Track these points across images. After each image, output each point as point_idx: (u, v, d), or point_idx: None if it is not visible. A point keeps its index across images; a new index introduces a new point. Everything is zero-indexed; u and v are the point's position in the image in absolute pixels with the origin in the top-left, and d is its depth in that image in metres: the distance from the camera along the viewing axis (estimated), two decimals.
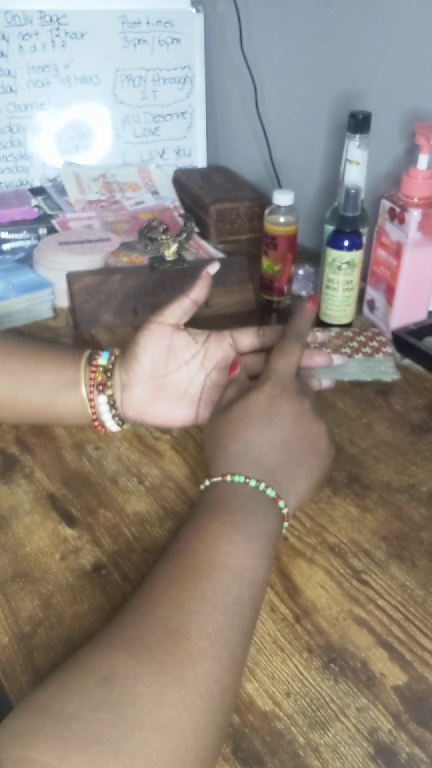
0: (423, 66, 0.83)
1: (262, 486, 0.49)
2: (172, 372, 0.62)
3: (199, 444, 0.66)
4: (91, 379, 0.61)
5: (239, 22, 1.11)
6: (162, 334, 0.61)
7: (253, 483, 0.49)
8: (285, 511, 0.50)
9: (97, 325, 0.85)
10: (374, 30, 0.88)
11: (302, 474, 0.52)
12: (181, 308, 0.61)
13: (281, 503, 0.49)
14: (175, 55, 1.20)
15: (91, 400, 0.62)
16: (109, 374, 0.62)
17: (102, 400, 0.62)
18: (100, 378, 0.61)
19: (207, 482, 0.51)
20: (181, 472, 0.63)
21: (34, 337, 0.83)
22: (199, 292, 0.62)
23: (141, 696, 0.36)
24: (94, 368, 0.61)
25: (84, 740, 0.34)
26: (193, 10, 1.18)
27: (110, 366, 0.62)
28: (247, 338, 0.64)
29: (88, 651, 0.39)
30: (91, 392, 0.61)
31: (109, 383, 0.62)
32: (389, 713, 0.44)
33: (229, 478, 0.50)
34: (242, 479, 0.49)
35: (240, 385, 0.57)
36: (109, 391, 0.62)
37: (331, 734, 0.43)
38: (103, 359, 0.62)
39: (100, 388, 0.61)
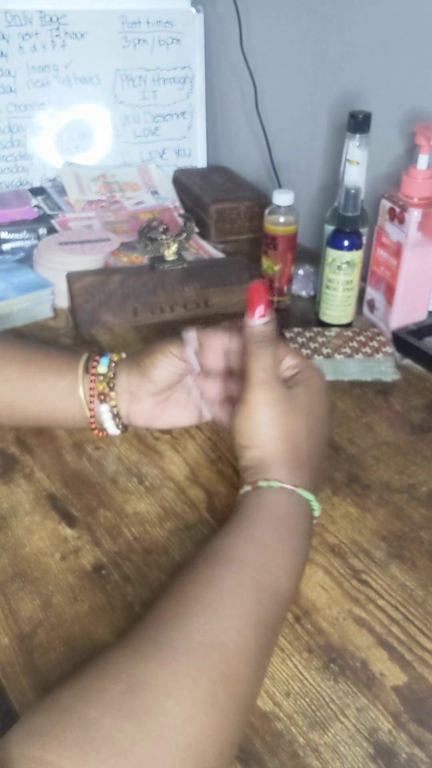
0: (423, 66, 0.83)
1: (317, 512, 0.49)
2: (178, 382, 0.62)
3: (199, 444, 0.66)
4: (91, 389, 0.61)
5: (239, 22, 1.11)
6: (181, 366, 0.59)
7: (315, 506, 0.49)
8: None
9: (97, 325, 0.85)
10: (374, 30, 0.88)
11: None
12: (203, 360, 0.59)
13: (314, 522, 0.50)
14: (175, 55, 1.20)
15: (90, 409, 0.61)
16: (111, 384, 0.61)
17: (104, 409, 0.61)
18: (101, 387, 0.61)
19: (275, 484, 0.47)
20: (181, 472, 0.63)
21: (33, 338, 0.84)
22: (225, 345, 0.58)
23: (169, 712, 0.35)
24: (93, 377, 0.61)
25: (103, 750, 0.33)
26: (193, 10, 1.18)
27: (111, 374, 0.61)
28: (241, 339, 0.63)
29: (115, 654, 0.38)
30: (90, 401, 0.61)
31: (112, 394, 0.61)
32: (389, 713, 0.44)
33: (300, 491, 0.48)
34: (311, 498, 0.48)
35: (272, 344, 0.50)
36: (113, 402, 0.61)
37: (331, 734, 0.43)
38: (102, 367, 0.61)
39: (102, 397, 0.61)
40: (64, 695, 0.36)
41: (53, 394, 0.61)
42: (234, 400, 0.58)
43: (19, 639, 0.48)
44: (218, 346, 0.57)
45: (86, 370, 0.61)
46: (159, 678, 0.36)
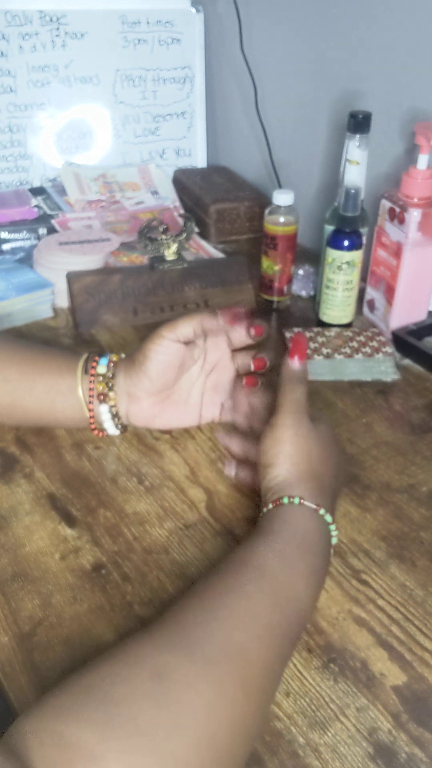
0: (423, 66, 0.83)
1: (334, 540, 0.50)
2: (177, 381, 0.62)
3: (198, 444, 0.66)
4: (90, 389, 0.61)
5: (239, 22, 1.11)
6: (174, 352, 0.59)
7: (332, 528, 0.50)
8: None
9: (97, 325, 0.85)
10: (374, 30, 0.88)
11: None
12: (193, 332, 0.59)
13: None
14: (175, 55, 1.20)
15: (90, 409, 0.61)
16: (111, 384, 0.61)
17: (103, 410, 0.61)
18: (100, 388, 0.61)
19: (297, 500, 0.49)
20: (180, 472, 0.63)
21: (33, 338, 0.84)
22: (214, 330, 0.59)
23: (192, 703, 0.36)
24: (92, 377, 0.61)
25: (126, 729, 0.34)
26: (193, 10, 1.18)
27: (110, 375, 0.61)
28: (241, 334, 0.63)
29: (140, 642, 0.39)
30: (90, 402, 0.61)
31: (111, 394, 0.61)
32: (389, 713, 0.44)
33: (322, 512, 0.49)
34: (330, 520, 0.49)
35: (305, 383, 0.54)
36: (111, 402, 0.61)
37: (331, 734, 0.43)
38: (102, 367, 0.61)
39: (101, 398, 0.61)
40: (87, 676, 0.37)
41: (53, 394, 0.61)
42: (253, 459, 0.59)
43: (18, 638, 0.48)
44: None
45: (85, 371, 0.61)
46: (186, 670, 0.37)
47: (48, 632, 0.48)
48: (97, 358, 0.62)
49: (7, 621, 0.49)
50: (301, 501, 0.49)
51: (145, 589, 0.52)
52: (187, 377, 0.63)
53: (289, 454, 0.51)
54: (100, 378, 0.61)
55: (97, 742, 0.33)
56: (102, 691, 0.35)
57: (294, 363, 0.54)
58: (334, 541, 0.50)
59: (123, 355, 0.63)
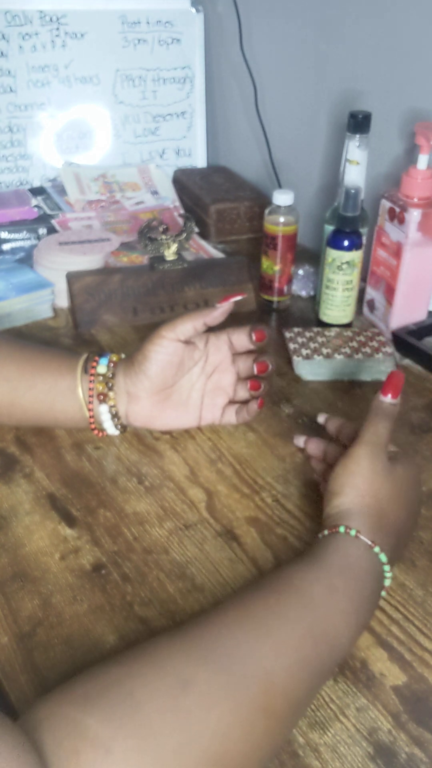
0: (423, 66, 0.83)
1: (388, 582, 0.48)
2: (177, 381, 0.62)
3: (198, 444, 0.66)
4: (90, 389, 0.61)
5: (239, 22, 1.11)
6: (174, 351, 0.59)
7: (387, 574, 0.48)
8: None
9: (97, 325, 0.85)
10: (374, 30, 0.88)
11: None
12: (193, 329, 0.59)
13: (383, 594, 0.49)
14: (175, 55, 1.20)
15: (90, 409, 0.61)
16: (110, 384, 0.61)
17: (103, 410, 0.61)
18: (100, 388, 0.61)
19: (353, 532, 0.48)
20: (180, 472, 0.63)
21: (33, 338, 0.84)
22: (216, 318, 0.60)
23: (210, 719, 0.36)
24: (92, 377, 0.61)
25: (141, 730, 0.34)
26: (193, 10, 1.18)
27: (110, 375, 0.61)
28: (243, 339, 0.63)
29: (173, 645, 0.39)
30: (90, 402, 0.61)
31: (111, 394, 0.61)
32: (389, 713, 0.44)
33: (377, 550, 0.48)
34: (385, 560, 0.48)
35: (391, 419, 0.52)
36: (111, 402, 0.61)
37: (331, 734, 0.43)
38: (102, 367, 0.61)
39: (101, 397, 0.61)
40: (114, 670, 0.37)
41: (53, 394, 0.61)
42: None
43: (18, 638, 0.48)
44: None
45: (85, 371, 0.61)
46: (211, 686, 0.37)
47: (48, 632, 0.48)
48: (97, 358, 0.62)
49: (7, 621, 0.49)
50: (358, 534, 0.47)
51: (145, 589, 0.52)
52: (188, 378, 0.63)
53: (357, 486, 0.50)
54: (100, 378, 0.61)
55: (110, 736, 0.33)
56: (125, 687, 0.36)
57: (385, 398, 0.53)
58: (387, 582, 0.48)
59: (123, 355, 0.63)
